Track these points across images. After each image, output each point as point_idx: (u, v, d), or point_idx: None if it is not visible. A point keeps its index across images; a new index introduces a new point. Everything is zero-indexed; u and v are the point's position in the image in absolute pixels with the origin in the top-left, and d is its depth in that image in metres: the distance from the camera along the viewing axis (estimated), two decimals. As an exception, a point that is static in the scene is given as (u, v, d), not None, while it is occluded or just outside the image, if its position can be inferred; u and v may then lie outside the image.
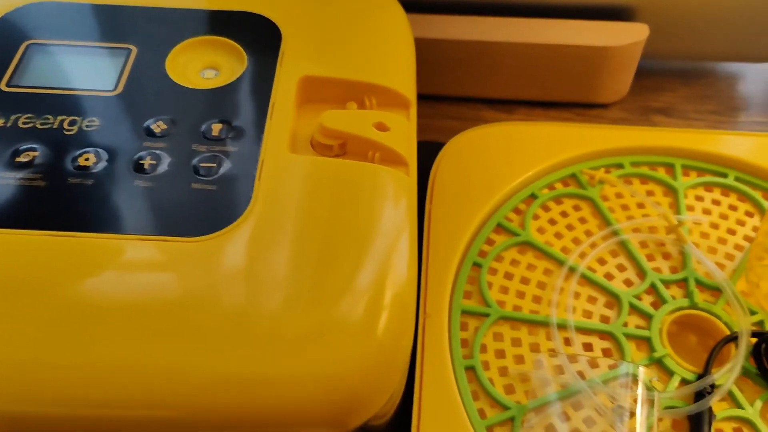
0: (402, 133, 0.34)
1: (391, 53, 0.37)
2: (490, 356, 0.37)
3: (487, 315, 0.38)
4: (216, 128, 0.32)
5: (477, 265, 0.40)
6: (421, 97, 0.55)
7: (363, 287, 0.28)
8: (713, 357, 0.36)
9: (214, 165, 0.31)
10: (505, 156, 0.45)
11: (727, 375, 0.35)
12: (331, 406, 0.27)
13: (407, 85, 0.36)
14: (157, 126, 0.32)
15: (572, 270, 0.40)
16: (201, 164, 0.30)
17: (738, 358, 0.35)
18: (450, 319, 0.38)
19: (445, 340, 0.37)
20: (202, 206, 0.29)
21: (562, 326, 0.38)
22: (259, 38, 0.36)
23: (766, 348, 0.36)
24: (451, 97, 0.54)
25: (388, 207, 0.31)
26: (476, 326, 0.38)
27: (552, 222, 0.43)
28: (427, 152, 0.46)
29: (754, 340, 0.36)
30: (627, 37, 0.49)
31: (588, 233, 0.42)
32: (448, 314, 0.38)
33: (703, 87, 0.55)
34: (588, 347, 0.37)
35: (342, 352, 0.27)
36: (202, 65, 0.35)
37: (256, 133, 0.32)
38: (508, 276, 0.40)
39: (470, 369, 0.36)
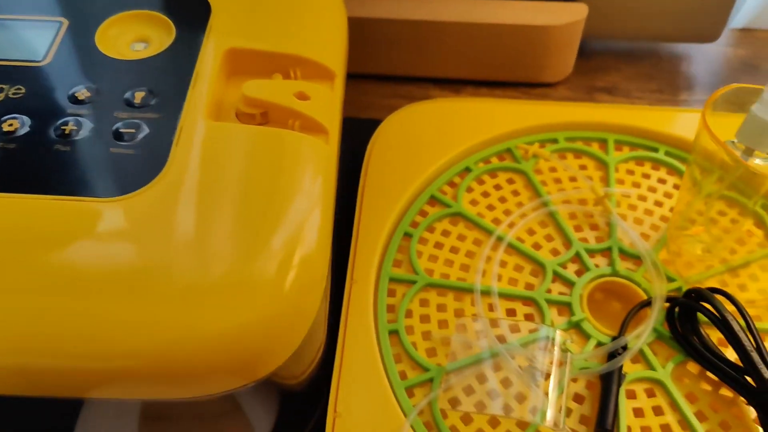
0: (323, 102, 0.35)
1: (318, 27, 0.38)
2: (415, 321, 0.38)
3: (414, 282, 0.39)
4: (139, 96, 0.33)
5: (408, 235, 0.42)
6: (371, 77, 0.56)
7: (272, 246, 0.30)
8: (628, 321, 0.37)
9: (134, 131, 0.32)
10: (441, 131, 0.46)
11: (638, 337, 0.36)
12: (237, 354, 0.28)
13: (333, 58, 0.38)
14: (82, 94, 0.33)
15: (500, 240, 0.41)
16: (121, 130, 0.32)
17: (649, 321, 0.36)
18: (378, 286, 0.39)
19: (370, 305, 0.38)
20: (120, 169, 0.31)
21: (486, 293, 0.39)
22: (189, 12, 0.37)
23: (680, 312, 0.37)
24: (402, 77, 0.56)
25: (304, 172, 0.32)
26: (404, 293, 0.39)
27: (485, 194, 0.44)
28: (369, 129, 0.47)
29: (668, 305, 0.38)
30: (566, 16, 0.50)
31: (519, 205, 0.43)
32: (376, 281, 0.40)
33: (648, 67, 0.56)
34: (511, 312, 0.39)
35: (249, 306, 0.28)
36: (133, 38, 0.36)
37: (177, 101, 0.33)
38: (438, 246, 0.41)
39: (394, 333, 0.38)
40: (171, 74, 0.34)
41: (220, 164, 0.31)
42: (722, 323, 0.34)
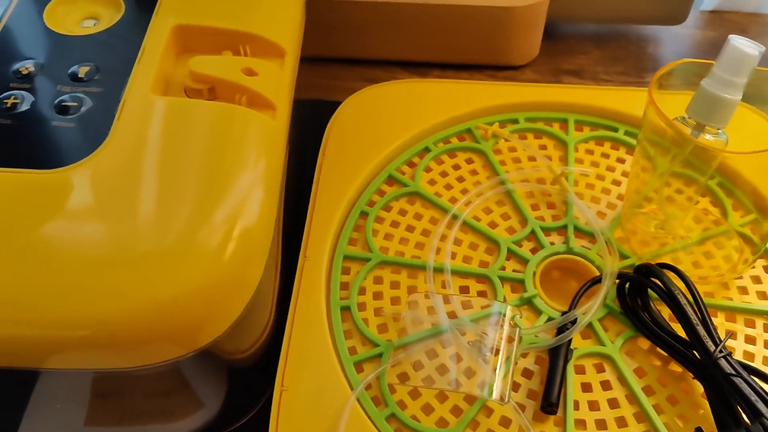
0: (271, 78, 0.35)
1: (269, 5, 0.38)
2: (368, 298, 0.38)
3: (368, 259, 0.40)
4: (83, 71, 0.33)
5: (364, 214, 0.42)
6: (339, 61, 0.56)
7: (212, 218, 0.30)
8: (579, 297, 0.37)
9: (77, 104, 0.32)
10: (400, 112, 0.46)
11: (586, 312, 0.36)
12: (176, 322, 0.28)
13: (284, 36, 0.38)
14: (26, 69, 0.33)
15: (456, 218, 0.41)
16: (64, 104, 0.32)
17: (598, 296, 0.36)
18: (332, 263, 0.39)
19: (323, 282, 0.38)
20: (61, 142, 0.31)
21: (440, 270, 0.39)
22: (140, -11, 0.37)
23: (630, 288, 0.37)
24: (369, 61, 0.56)
25: (249, 146, 0.32)
26: (358, 270, 0.39)
27: (444, 174, 0.44)
28: (334, 111, 0.47)
29: (619, 281, 0.38)
30: (530, -3, 0.50)
31: (477, 185, 0.43)
32: (330, 258, 0.40)
33: (615, 49, 0.56)
34: (464, 290, 0.39)
35: (188, 275, 0.28)
36: (82, 15, 0.36)
37: (122, 76, 0.33)
38: (395, 224, 0.41)
39: (346, 309, 0.38)
40: (118, 50, 0.34)
41: (162, 137, 0.31)
42: (669, 298, 0.34)
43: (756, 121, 0.37)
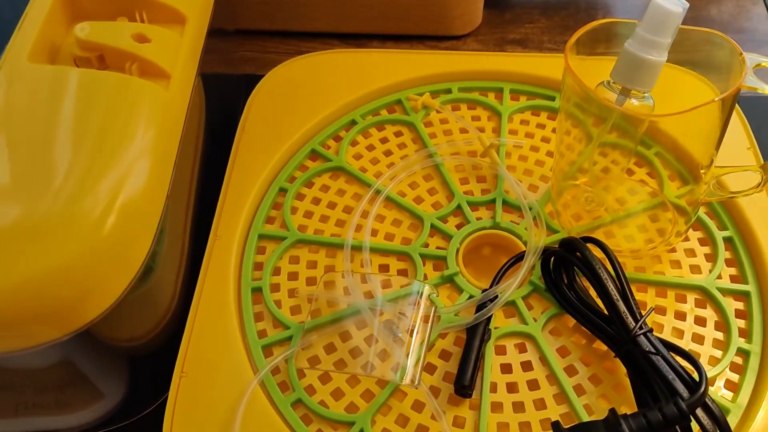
0: (165, 45, 0.33)
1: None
2: (282, 279, 0.36)
3: (284, 238, 0.38)
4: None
5: (284, 191, 0.40)
6: (275, 34, 0.54)
7: (92, 190, 0.28)
8: (502, 274, 0.35)
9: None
10: (326, 84, 0.44)
11: (506, 289, 0.34)
12: (48, 300, 0.26)
13: (185, 1, 0.35)
14: None
15: (380, 193, 0.39)
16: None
17: (519, 272, 0.35)
18: (246, 243, 0.37)
19: (234, 262, 0.36)
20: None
21: (359, 248, 0.37)
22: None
23: (555, 264, 0.35)
24: (307, 33, 0.53)
25: (135, 118, 0.30)
26: (274, 250, 0.37)
27: (370, 148, 0.42)
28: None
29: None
30: (467, -38, 0.48)
31: (405, 158, 0.41)
32: (245, 237, 0.38)
33: (564, 18, 0.54)
34: (384, 268, 0.37)
35: (61, 249, 0.27)
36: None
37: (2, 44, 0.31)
38: (315, 201, 0.39)
39: (257, 290, 0.36)
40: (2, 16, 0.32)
41: (40, 106, 0.29)
42: (590, 272, 0.33)
43: (698, 87, 0.35)
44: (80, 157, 0.28)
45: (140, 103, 0.30)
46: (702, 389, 0.28)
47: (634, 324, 0.31)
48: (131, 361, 0.34)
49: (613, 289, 0.32)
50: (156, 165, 0.30)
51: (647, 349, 0.30)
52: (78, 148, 0.29)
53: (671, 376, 0.29)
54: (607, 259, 0.33)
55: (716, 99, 0.30)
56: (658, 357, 0.30)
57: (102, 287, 0.28)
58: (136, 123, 0.30)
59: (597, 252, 0.34)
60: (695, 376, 0.29)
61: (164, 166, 0.31)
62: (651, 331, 0.31)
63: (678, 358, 0.30)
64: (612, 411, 0.29)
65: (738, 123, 0.41)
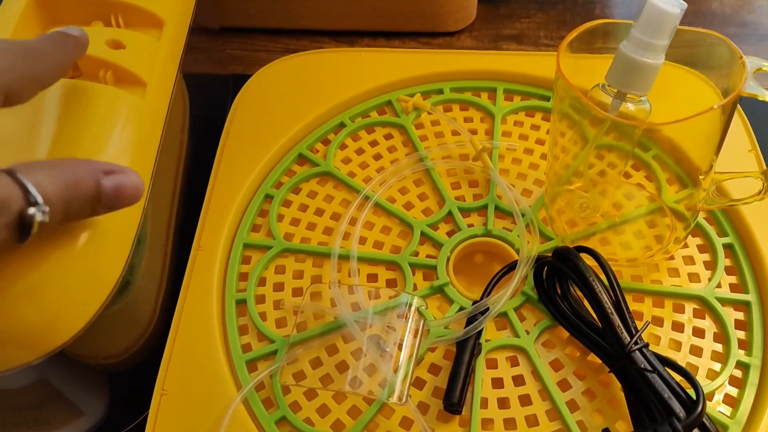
0: (141, 51, 0.32)
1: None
2: (268, 290, 0.35)
3: (270, 247, 0.36)
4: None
5: (270, 197, 0.39)
6: (264, 31, 0.52)
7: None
8: (493, 284, 0.34)
9: None
10: (314, 85, 0.42)
11: (497, 301, 0.33)
12: (19, 323, 0.25)
13: (162, 4, 0.34)
14: None
15: (369, 200, 0.38)
16: None
17: (511, 282, 0.33)
18: (230, 252, 0.36)
19: (217, 273, 0.35)
20: None
21: (347, 257, 0.36)
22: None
23: (548, 274, 0.34)
24: (296, 30, 0.52)
25: (108, 128, 0.29)
26: (259, 259, 0.36)
27: (359, 151, 0.41)
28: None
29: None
30: (459, -44, 0.46)
31: (396, 162, 0.40)
32: (229, 247, 0.37)
33: (561, 12, 0.52)
34: (373, 278, 0.36)
35: (31, 267, 0.25)
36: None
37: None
38: (303, 208, 0.38)
39: (242, 303, 0.35)
40: (-31, 23, 0.31)
41: (7, 119, 0.28)
42: (583, 284, 0.31)
43: (700, 87, 0.34)
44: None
45: (114, 113, 0.29)
46: (699, 409, 0.27)
47: (629, 339, 0.30)
48: (112, 377, 0.33)
49: (608, 302, 0.31)
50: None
51: (642, 366, 0.29)
52: (48, 159, 0.27)
53: (667, 394, 0.28)
54: (601, 269, 0.32)
55: (715, 107, 0.28)
56: (654, 374, 0.28)
57: (75, 307, 0.27)
58: (110, 133, 0.29)
59: (591, 262, 0.32)
60: (693, 392, 0.28)
61: (141, 176, 0.29)
62: (647, 346, 0.30)
63: (674, 374, 0.29)
64: (606, 431, 0.28)
65: (739, 124, 0.40)
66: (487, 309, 0.33)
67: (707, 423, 0.27)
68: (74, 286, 0.26)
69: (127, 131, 0.29)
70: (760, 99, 0.29)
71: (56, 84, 0.29)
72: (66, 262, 0.26)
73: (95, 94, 0.30)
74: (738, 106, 0.41)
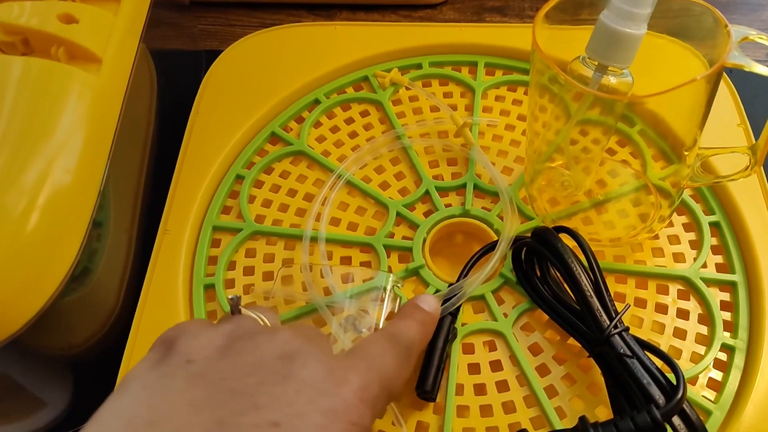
0: (96, 26, 0.30)
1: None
2: (237, 274, 0.34)
3: (240, 230, 0.35)
4: None
5: (241, 178, 0.37)
6: (240, 5, 0.51)
7: (13, 186, 0.25)
8: (470, 266, 0.33)
9: None
10: (287, 61, 0.41)
11: (472, 283, 0.32)
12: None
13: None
14: None
15: (342, 179, 0.37)
16: None
17: (488, 264, 0.32)
18: (199, 236, 0.35)
19: (184, 257, 0.34)
20: None
21: (318, 239, 0.35)
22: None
23: (527, 255, 0.33)
24: (274, 4, 0.50)
25: (58, 108, 0.28)
26: (228, 243, 0.35)
27: (334, 129, 0.39)
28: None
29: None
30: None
31: (371, 141, 0.38)
32: (198, 230, 0.35)
33: (547, -18, 0.50)
34: (347, 261, 0.35)
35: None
36: None
37: None
38: (275, 189, 0.37)
39: (210, 287, 0.34)
40: None
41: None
42: (562, 266, 0.30)
43: (686, 58, 0.33)
44: (2, 152, 0.26)
45: (66, 90, 0.28)
46: (678, 396, 0.26)
47: (608, 323, 0.28)
48: (75, 367, 0.32)
49: (587, 285, 0.29)
50: (85, 157, 0.27)
51: (621, 351, 0.28)
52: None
53: (646, 380, 0.27)
54: (581, 250, 0.31)
55: (698, 77, 0.27)
56: (633, 360, 0.27)
57: (26, 293, 0.25)
58: (61, 112, 0.27)
59: (571, 242, 0.31)
60: (674, 378, 0.27)
61: (95, 158, 0.28)
62: (627, 330, 0.28)
63: (655, 359, 0.28)
64: (582, 419, 0.27)
65: (728, 97, 0.38)
66: (461, 291, 0.32)
67: (687, 410, 0.26)
68: (23, 273, 0.25)
69: (80, 110, 0.28)
70: (746, 69, 0.27)
71: (6, 63, 0.28)
72: (14, 248, 0.25)
73: (46, 71, 0.28)
74: (727, 78, 0.40)
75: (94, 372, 0.33)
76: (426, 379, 0.29)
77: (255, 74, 0.40)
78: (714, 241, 0.34)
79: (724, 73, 0.40)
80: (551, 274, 0.32)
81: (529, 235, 0.33)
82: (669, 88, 0.27)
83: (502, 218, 0.35)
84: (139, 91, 0.34)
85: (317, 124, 0.39)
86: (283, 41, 0.42)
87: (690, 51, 0.32)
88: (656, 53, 0.32)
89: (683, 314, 0.32)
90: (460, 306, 0.31)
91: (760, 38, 0.28)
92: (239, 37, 0.47)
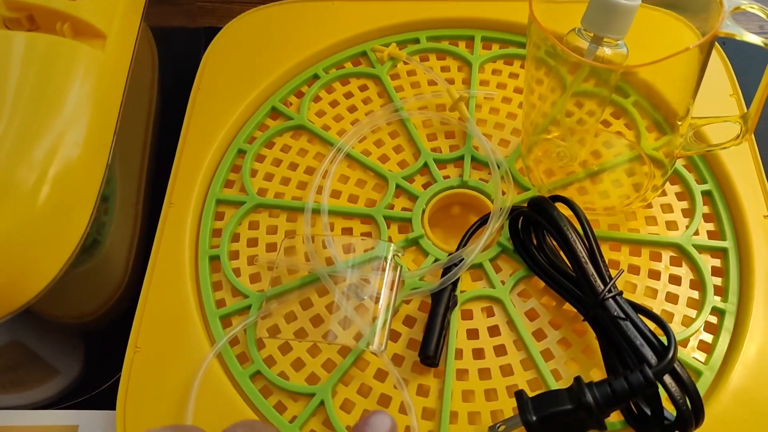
0: (100, 3, 0.31)
1: None
2: (241, 245, 0.35)
3: (243, 203, 0.36)
4: None
5: (243, 152, 0.38)
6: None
7: (23, 160, 0.26)
8: (469, 236, 0.34)
9: None
10: (287, 36, 0.41)
11: (471, 252, 0.33)
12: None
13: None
14: None
15: (343, 153, 0.37)
16: None
17: (484, 233, 0.33)
18: (203, 209, 0.36)
19: (189, 229, 0.35)
20: None
21: (320, 211, 0.35)
22: None
23: (524, 224, 0.34)
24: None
25: (65, 83, 0.28)
26: (232, 215, 0.36)
27: (334, 104, 0.40)
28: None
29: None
30: None
31: (370, 114, 0.39)
32: (202, 203, 0.36)
33: (543, -44, 0.51)
34: (348, 231, 0.35)
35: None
36: None
37: None
38: (276, 162, 0.38)
39: (215, 259, 0.34)
40: None
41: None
42: (558, 233, 0.31)
43: (679, 30, 0.33)
44: (9, 127, 0.27)
45: (73, 66, 0.28)
46: (670, 355, 0.27)
47: (603, 287, 0.29)
48: (87, 336, 0.32)
49: (582, 251, 0.30)
50: (92, 131, 0.28)
51: (615, 314, 0.29)
52: (6, 116, 0.27)
53: (639, 341, 0.28)
54: (576, 219, 0.32)
55: (691, 47, 0.27)
56: (626, 322, 0.28)
57: (38, 264, 0.26)
58: (69, 88, 0.28)
59: (567, 211, 0.32)
60: (666, 339, 0.28)
61: (102, 132, 0.29)
62: (620, 294, 0.29)
63: (648, 322, 0.29)
64: (577, 379, 0.28)
65: (721, 68, 0.39)
66: (463, 260, 0.33)
67: (679, 369, 0.27)
68: (36, 244, 0.26)
69: (86, 85, 0.28)
70: (738, 39, 0.28)
71: (12, 39, 0.29)
72: (27, 219, 0.26)
73: (53, 47, 0.29)
74: (720, 50, 0.40)
75: (104, 341, 0.34)
76: (429, 345, 0.30)
77: (254, 50, 0.41)
78: (706, 209, 0.35)
79: (718, 45, 0.40)
80: (547, 242, 0.33)
81: (526, 205, 0.34)
82: (663, 57, 0.28)
83: (504, 192, 0.35)
84: (142, 67, 0.35)
85: (317, 99, 0.40)
86: (281, 17, 0.42)
87: (684, 23, 0.32)
88: (651, 25, 0.32)
89: (675, 280, 0.33)
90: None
91: (752, 7, 0.29)
92: (237, 14, 0.47)
